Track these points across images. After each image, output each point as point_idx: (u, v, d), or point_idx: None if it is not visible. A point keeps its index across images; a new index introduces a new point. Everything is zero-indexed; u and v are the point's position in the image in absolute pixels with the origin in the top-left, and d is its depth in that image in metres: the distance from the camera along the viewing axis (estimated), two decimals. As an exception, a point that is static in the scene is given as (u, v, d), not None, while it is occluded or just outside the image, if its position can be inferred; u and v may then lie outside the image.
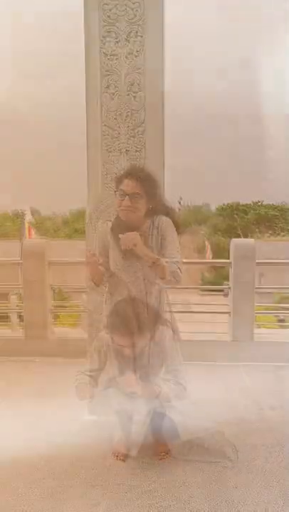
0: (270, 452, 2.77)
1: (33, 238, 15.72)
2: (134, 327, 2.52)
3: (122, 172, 2.60)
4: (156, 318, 2.58)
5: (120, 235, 2.38)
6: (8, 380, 4.02)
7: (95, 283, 2.64)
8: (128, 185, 2.44)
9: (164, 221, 2.56)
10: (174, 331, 2.68)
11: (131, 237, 2.35)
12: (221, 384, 3.89)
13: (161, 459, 2.69)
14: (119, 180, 2.51)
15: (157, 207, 2.57)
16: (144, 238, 2.48)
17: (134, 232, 2.38)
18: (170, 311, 2.70)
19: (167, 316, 2.66)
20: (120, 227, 2.51)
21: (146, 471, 2.59)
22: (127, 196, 2.43)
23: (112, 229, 2.60)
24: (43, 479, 2.52)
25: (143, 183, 2.45)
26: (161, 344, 2.57)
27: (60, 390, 3.75)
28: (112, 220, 2.65)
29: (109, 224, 2.65)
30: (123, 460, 2.71)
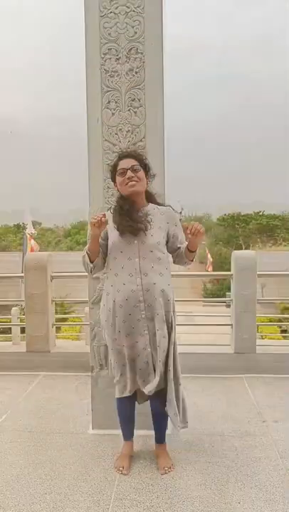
0: (273, 466, 2.76)
1: (34, 251, 15.64)
2: (134, 328, 2.57)
3: (113, 160, 2.74)
4: (157, 318, 2.56)
5: (152, 215, 2.58)
6: (11, 395, 4.01)
7: (90, 257, 2.61)
8: (125, 162, 2.60)
9: (170, 210, 2.74)
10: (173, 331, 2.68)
11: (199, 226, 2.45)
12: (223, 396, 3.88)
13: (163, 474, 2.69)
14: (114, 166, 2.67)
15: (154, 196, 2.76)
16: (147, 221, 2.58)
17: (200, 224, 2.47)
18: (172, 311, 2.66)
19: (170, 317, 2.63)
20: (124, 208, 2.59)
21: (149, 486, 2.58)
22: (128, 170, 2.57)
23: (114, 210, 2.66)
24: (46, 494, 2.51)
25: (137, 157, 2.64)
26: (161, 345, 2.56)
27: (63, 404, 3.76)
28: (112, 207, 2.73)
29: (111, 211, 2.71)
30: (126, 474, 2.70)
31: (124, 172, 2.57)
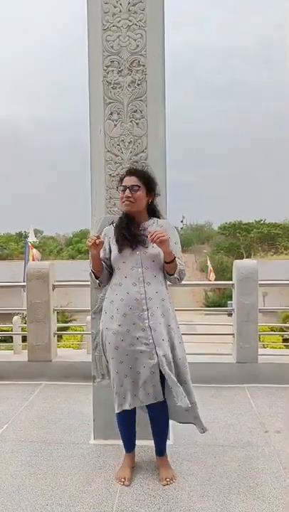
0: (276, 477, 2.75)
1: (36, 261, 15.58)
2: (138, 339, 2.58)
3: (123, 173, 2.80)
4: (160, 327, 2.60)
5: (150, 229, 2.57)
6: (12, 404, 4.01)
7: (95, 274, 2.72)
8: (127, 180, 2.68)
9: (169, 223, 2.79)
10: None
11: (160, 233, 2.44)
12: (225, 406, 3.87)
13: (165, 485, 2.68)
14: (121, 179, 2.75)
15: (157, 209, 2.81)
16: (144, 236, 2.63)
17: (164, 231, 2.50)
18: (174, 319, 2.72)
19: (172, 324, 2.67)
20: (124, 223, 2.69)
21: (151, 497, 2.57)
22: (127, 189, 2.64)
23: (115, 225, 2.75)
24: (48, 505, 2.50)
25: (140, 176, 2.69)
26: (167, 355, 2.59)
27: (64, 414, 3.75)
28: (117, 220, 2.79)
29: (113, 225, 2.80)
30: (128, 485, 2.69)
31: (124, 189, 2.67)
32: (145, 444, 2.96)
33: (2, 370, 4.58)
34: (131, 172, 2.74)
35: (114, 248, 2.67)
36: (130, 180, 2.67)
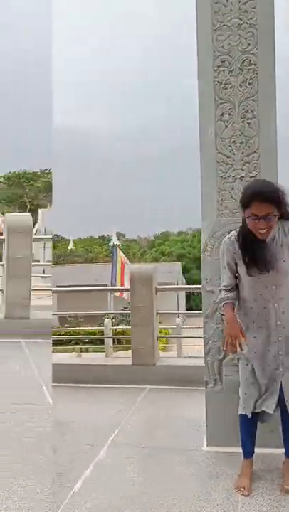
0: None
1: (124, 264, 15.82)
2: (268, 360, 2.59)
3: (247, 192, 2.45)
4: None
5: (277, 240, 2.45)
6: (119, 409, 4.03)
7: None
8: (259, 208, 2.34)
9: None
10: None
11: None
12: None
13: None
14: (246, 203, 2.41)
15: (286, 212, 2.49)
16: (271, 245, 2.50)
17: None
18: None
19: None
20: (248, 243, 2.52)
21: (274, 508, 2.46)
22: (260, 219, 2.36)
23: (239, 245, 2.57)
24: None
25: (273, 201, 2.35)
26: None
27: (172, 419, 3.73)
28: (237, 230, 2.62)
29: (233, 234, 2.63)
30: (247, 495, 2.59)
31: (255, 218, 2.37)
32: (260, 452, 2.85)
33: (107, 374, 4.65)
34: (263, 198, 2.33)
35: (244, 269, 2.56)
36: (264, 209, 2.32)
